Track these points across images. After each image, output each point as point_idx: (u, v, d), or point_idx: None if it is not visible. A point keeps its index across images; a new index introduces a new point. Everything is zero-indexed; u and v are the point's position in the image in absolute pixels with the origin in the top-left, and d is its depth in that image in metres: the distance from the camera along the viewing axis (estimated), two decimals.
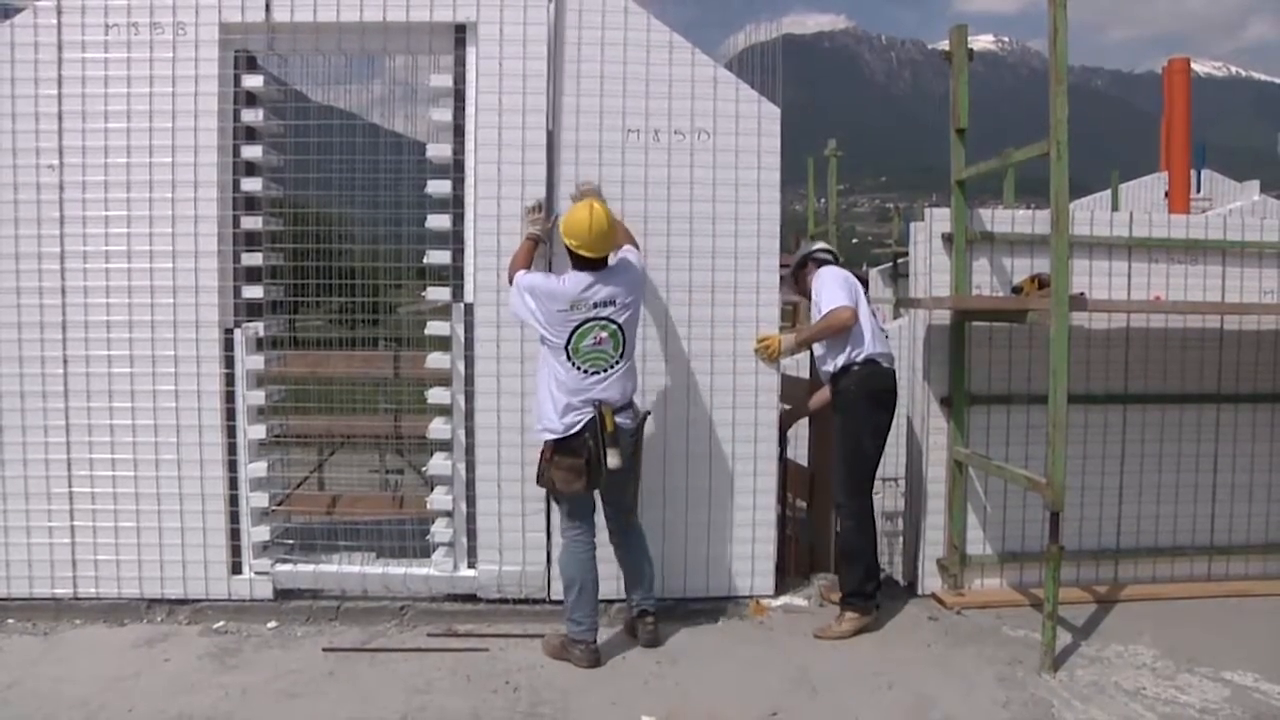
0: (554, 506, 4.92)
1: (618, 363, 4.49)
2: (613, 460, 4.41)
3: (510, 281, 4.58)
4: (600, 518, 4.73)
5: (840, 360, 5.01)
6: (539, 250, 4.77)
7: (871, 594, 5.03)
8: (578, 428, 4.43)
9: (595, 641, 4.59)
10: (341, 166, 5.13)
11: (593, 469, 4.43)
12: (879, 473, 5.25)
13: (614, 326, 4.46)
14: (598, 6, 4.99)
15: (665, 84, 5.05)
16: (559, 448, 4.47)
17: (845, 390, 5.03)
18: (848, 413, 5.05)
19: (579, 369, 4.43)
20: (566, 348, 4.42)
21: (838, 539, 5.38)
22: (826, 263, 5.29)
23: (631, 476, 4.69)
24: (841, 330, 4.96)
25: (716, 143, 5.09)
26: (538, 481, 4.59)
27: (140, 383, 4.97)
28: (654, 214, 5.06)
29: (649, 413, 4.81)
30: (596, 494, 4.63)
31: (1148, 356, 5.65)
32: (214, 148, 4.91)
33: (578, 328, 4.41)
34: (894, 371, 5.12)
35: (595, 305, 4.43)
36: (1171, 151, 12.72)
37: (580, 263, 4.48)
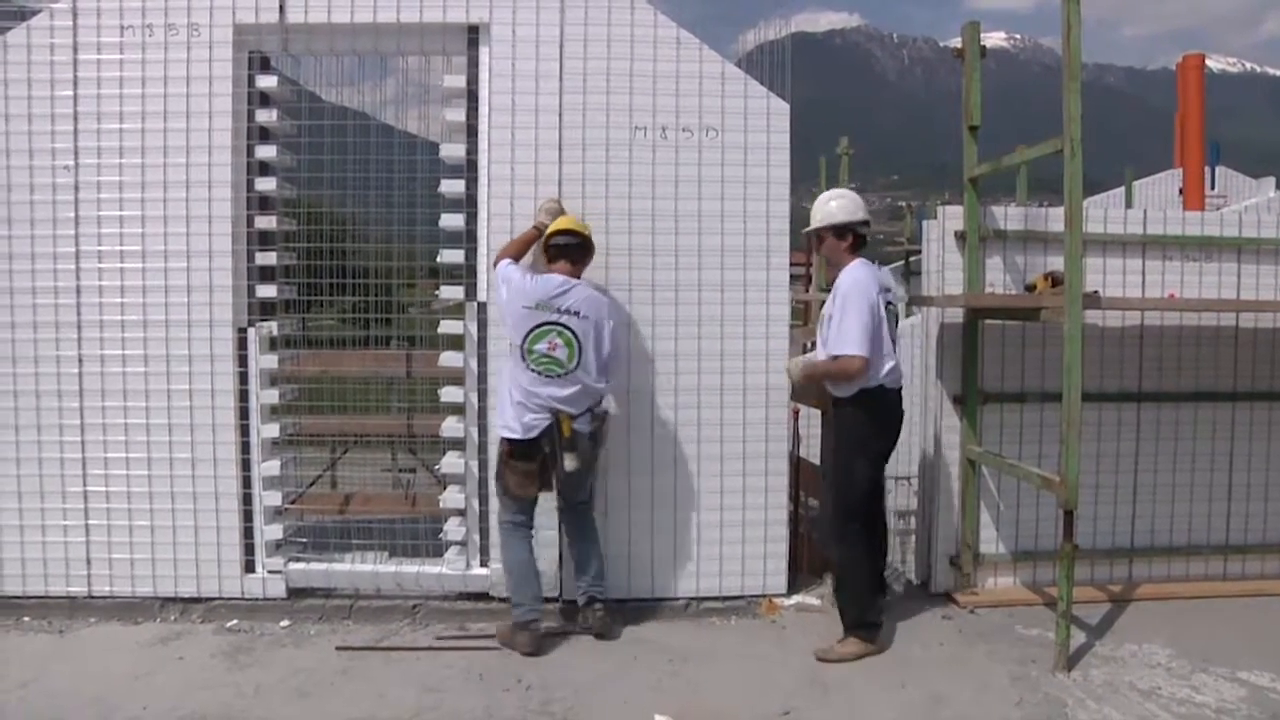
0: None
1: (571, 373, 4.50)
2: (569, 464, 4.49)
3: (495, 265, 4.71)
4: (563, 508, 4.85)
5: (848, 391, 4.67)
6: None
7: (876, 623, 4.76)
8: (535, 432, 4.50)
9: (538, 624, 4.65)
10: (355, 166, 5.15)
11: (546, 474, 4.53)
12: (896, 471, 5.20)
13: (570, 334, 4.49)
14: (603, 2, 5.00)
15: (672, 80, 5.04)
16: (515, 450, 4.53)
17: (844, 414, 4.72)
18: (844, 438, 4.72)
19: (533, 371, 4.50)
20: (522, 347, 4.50)
21: (833, 566, 4.97)
22: (863, 243, 4.81)
23: (589, 475, 4.73)
24: (848, 381, 4.64)
25: (725, 140, 5.08)
26: (496, 480, 4.69)
27: (154, 382, 4.99)
28: (661, 212, 5.06)
29: (607, 413, 4.80)
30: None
31: (1162, 354, 5.62)
32: (228, 148, 4.94)
33: (535, 328, 4.49)
34: (900, 389, 4.78)
35: (560, 311, 4.49)
36: (1186, 148, 12.64)
37: (559, 254, 4.60)
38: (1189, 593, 5.50)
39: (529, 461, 4.54)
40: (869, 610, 4.74)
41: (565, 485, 4.67)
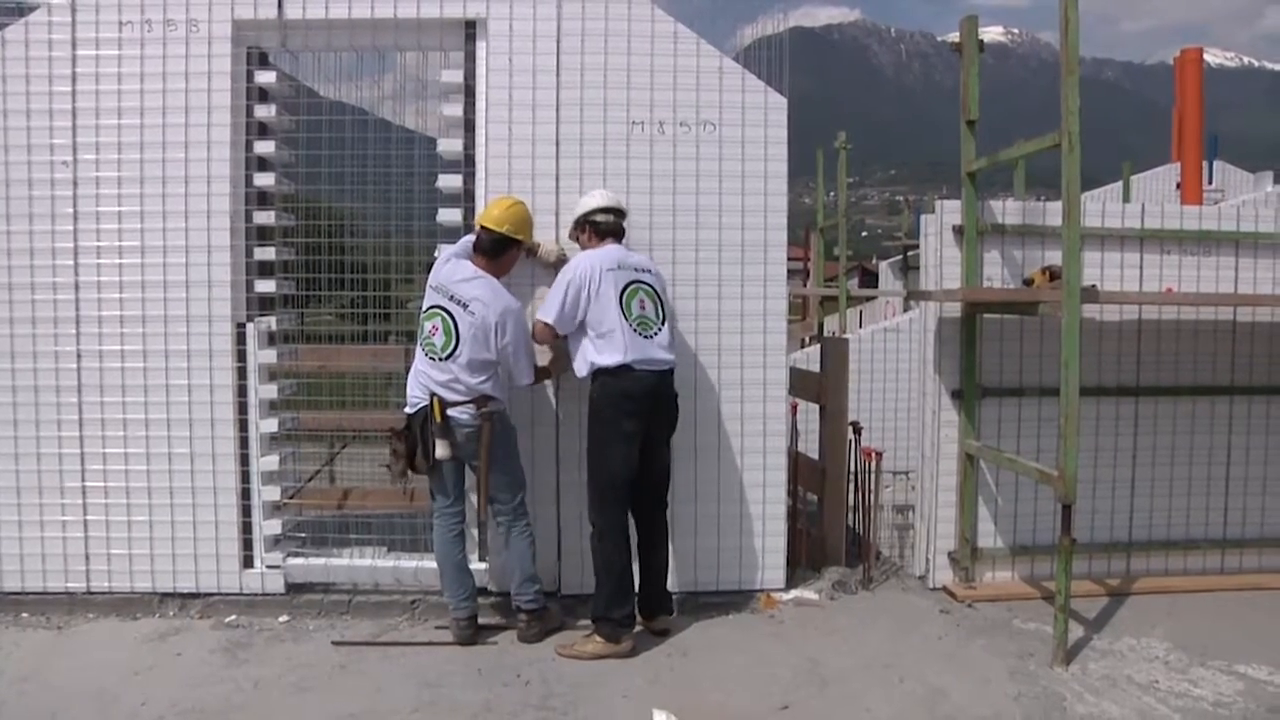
0: (561, 499, 5.04)
1: (443, 360, 4.52)
2: (440, 451, 4.51)
3: None
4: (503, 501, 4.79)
5: (585, 367, 4.68)
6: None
7: (621, 621, 4.60)
8: (413, 410, 4.58)
9: (467, 618, 4.70)
10: (353, 162, 5.16)
11: (415, 457, 4.56)
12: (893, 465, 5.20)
13: (451, 322, 4.51)
14: None
15: (670, 75, 5.05)
16: (403, 427, 4.61)
17: (591, 397, 4.69)
18: (591, 417, 4.71)
19: (422, 349, 4.59)
20: (420, 323, 4.62)
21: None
22: (605, 230, 4.75)
23: (480, 471, 4.64)
24: (541, 344, 4.82)
25: (722, 134, 5.09)
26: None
27: (153, 377, 4.99)
28: (659, 207, 5.07)
29: (496, 411, 4.66)
30: (468, 475, 4.75)
31: (1159, 349, 5.63)
32: (226, 143, 4.94)
33: (428, 308, 4.58)
34: (653, 375, 4.63)
35: (450, 298, 4.54)
36: (1183, 142, 12.62)
37: (476, 246, 4.66)
38: (1187, 587, 5.52)
39: (401, 442, 4.58)
40: (613, 605, 4.59)
41: (457, 477, 4.67)
